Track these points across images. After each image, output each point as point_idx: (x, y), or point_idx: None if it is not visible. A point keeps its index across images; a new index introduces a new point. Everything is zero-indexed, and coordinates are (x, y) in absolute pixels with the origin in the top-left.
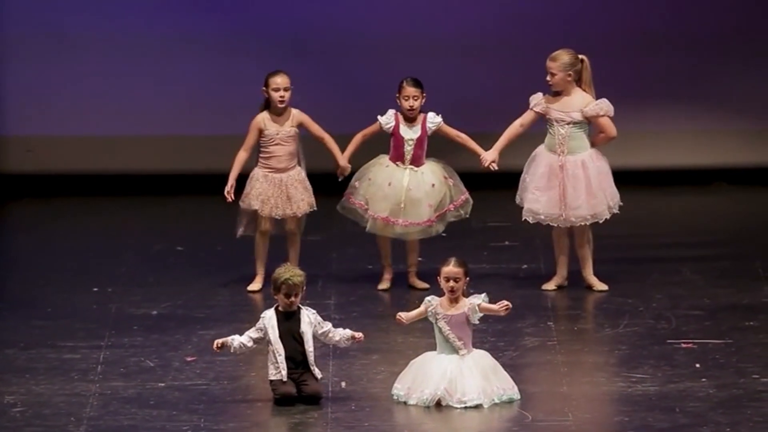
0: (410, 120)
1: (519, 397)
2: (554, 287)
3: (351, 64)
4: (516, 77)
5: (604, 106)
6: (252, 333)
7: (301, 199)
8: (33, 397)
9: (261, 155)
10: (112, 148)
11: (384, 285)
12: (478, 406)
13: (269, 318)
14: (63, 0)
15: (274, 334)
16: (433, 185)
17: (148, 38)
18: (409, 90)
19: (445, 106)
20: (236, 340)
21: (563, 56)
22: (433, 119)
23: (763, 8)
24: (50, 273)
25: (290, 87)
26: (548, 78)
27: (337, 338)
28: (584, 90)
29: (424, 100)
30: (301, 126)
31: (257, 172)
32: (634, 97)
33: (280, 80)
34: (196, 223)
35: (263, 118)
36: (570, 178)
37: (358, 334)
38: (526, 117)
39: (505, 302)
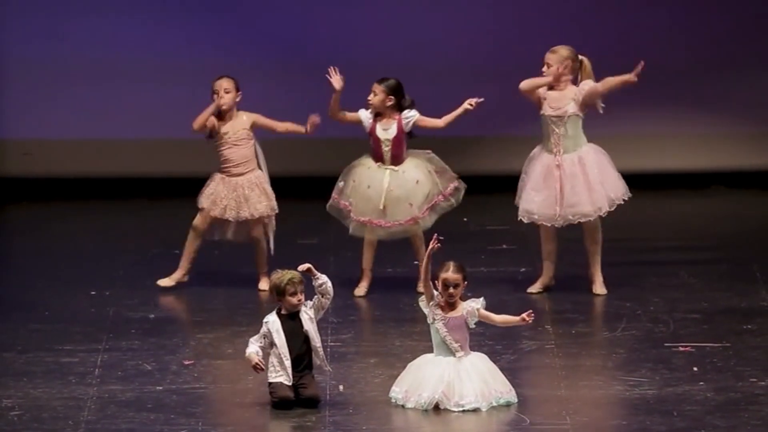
0: (380, 117)
1: (517, 400)
2: (539, 290)
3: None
4: (514, 79)
5: (585, 83)
6: (258, 341)
7: (258, 201)
8: (30, 400)
9: (219, 159)
10: (109, 152)
11: (360, 291)
12: (475, 410)
13: (273, 322)
14: (62, 5)
15: (280, 338)
16: (417, 182)
17: (145, 41)
18: (374, 85)
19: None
20: (258, 354)
21: (562, 50)
22: (407, 114)
23: (762, 12)
24: (48, 276)
25: (233, 90)
26: (543, 69)
27: (323, 299)
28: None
29: (390, 102)
30: (256, 126)
31: (216, 175)
32: (632, 101)
33: (219, 83)
34: None
35: (215, 121)
36: (568, 177)
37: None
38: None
39: (520, 318)
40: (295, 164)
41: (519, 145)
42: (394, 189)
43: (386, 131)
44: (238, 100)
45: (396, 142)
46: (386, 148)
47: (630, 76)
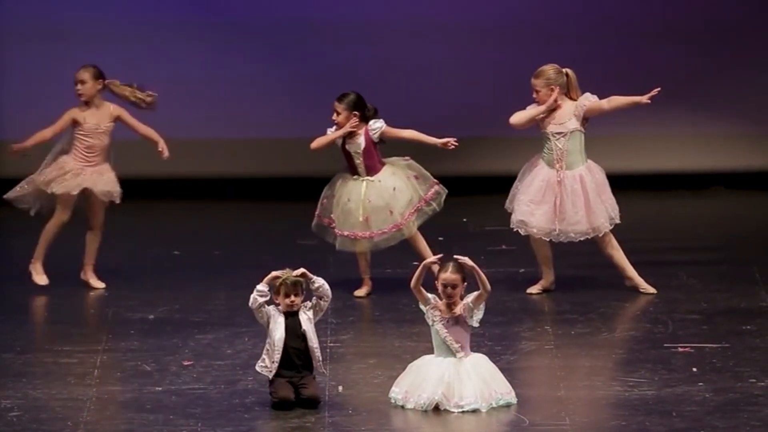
0: (349, 133)
1: (516, 401)
2: (539, 291)
3: (348, 54)
4: (514, 81)
5: (586, 97)
6: (269, 311)
7: (105, 184)
8: (30, 401)
9: (77, 148)
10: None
11: (361, 292)
12: (475, 411)
13: (276, 312)
14: (61, 4)
15: (279, 330)
16: (395, 189)
17: (145, 42)
18: (335, 104)
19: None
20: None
21: (546, 72)
22: (374, 125)
23: (764, 12)
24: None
25: (90, 80)
26: (533, 95)
27: (321, 301)
28: (573, 99)
29: (355, 120)
30: (118, 120)
31: (71, 164)
32: None
33: (77, 74)
34: (193, 227)
35: (78, 111)
36: (569, 194)
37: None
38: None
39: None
40: (295, 165)
41: (518, 146)
42: (372, 199)
43: (355, 143)
44: (99, 88)
45: (366, 153)
46: (358, 161)
47: (642, 98)
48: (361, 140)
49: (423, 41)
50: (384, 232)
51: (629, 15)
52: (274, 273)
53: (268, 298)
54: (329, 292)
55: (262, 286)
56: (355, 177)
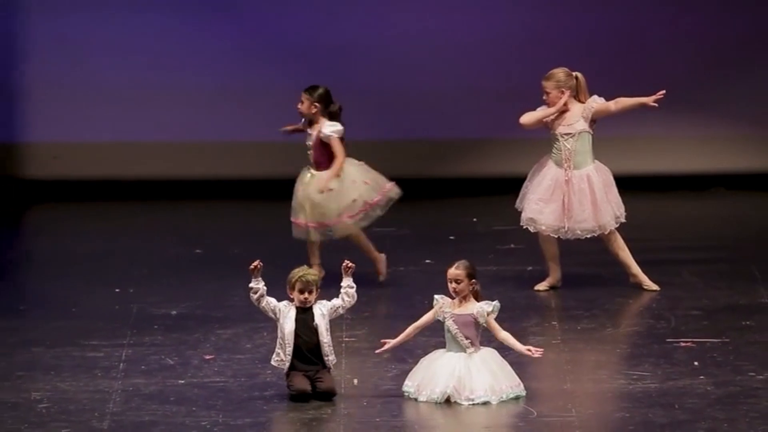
0: (311, 123)
1: (525, 393)
2: (546, 287)
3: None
4: (514, 83)
5: (594, 99)
6: (271, 303)
7: None
8: (58, 393)
9: None
10: (132, 154)
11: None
12: (485, 404)
13: (285, 307)
14: (85, 10)
15: (289, 325)
16: (331, 189)
17: (165, 47)
18: (302, 94)
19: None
20: (263, 290)
21: (556, 75)
22: (327, 129)
23: (764, 14)
24: (74, 275)
25: None
26: (544, 97)
27: (343, 302)
28: (581, 101)
29: (314, 110)
30: None
31: None
32: None
33: None
34: (214, 226)
35: None
36: (576, 193)
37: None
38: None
39: (526, 349)
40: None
41: (527, 148)
42: (309, 191)
43: (309, 137)
44: None
45: (314, 148)
46: (309, 152)
47: (648, 100)
48: (315, 135)
49: (431, 36)
50: (312, 225)
51: (632, 19)
52: (253, 264)
53: (260, 292)
54: (355, 297)
55: (252, 283)
56: (308, 167)
